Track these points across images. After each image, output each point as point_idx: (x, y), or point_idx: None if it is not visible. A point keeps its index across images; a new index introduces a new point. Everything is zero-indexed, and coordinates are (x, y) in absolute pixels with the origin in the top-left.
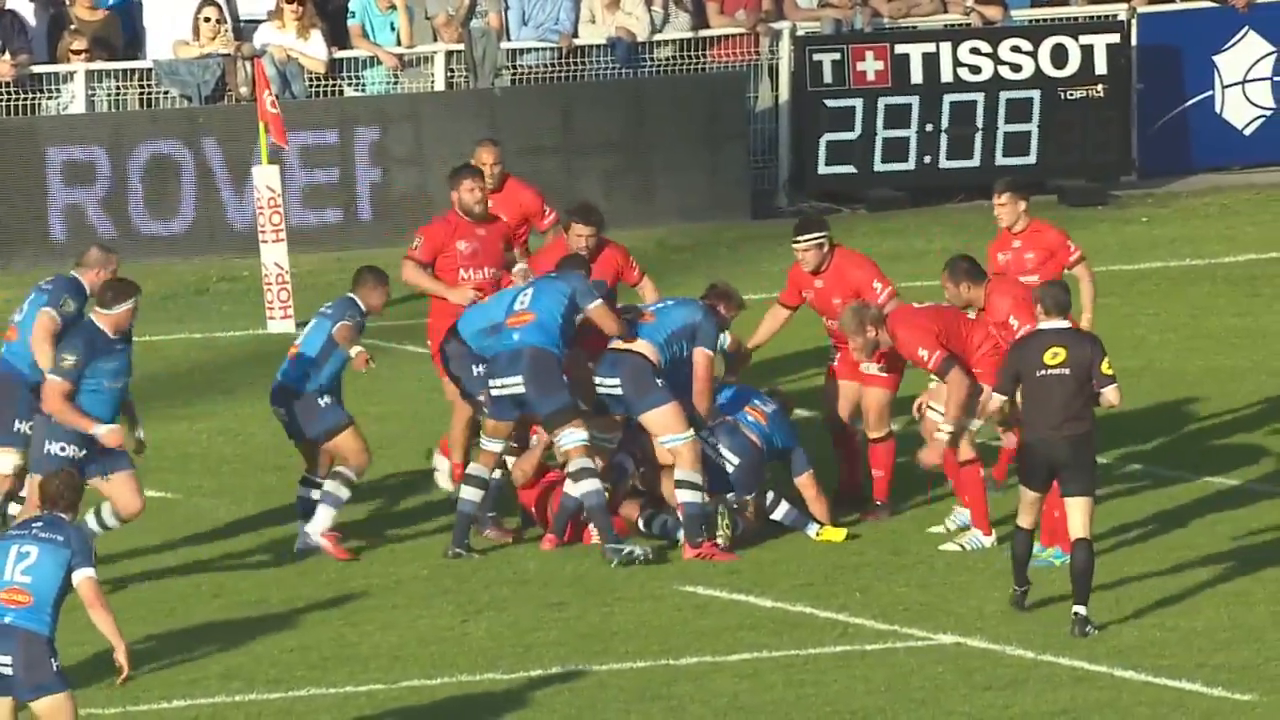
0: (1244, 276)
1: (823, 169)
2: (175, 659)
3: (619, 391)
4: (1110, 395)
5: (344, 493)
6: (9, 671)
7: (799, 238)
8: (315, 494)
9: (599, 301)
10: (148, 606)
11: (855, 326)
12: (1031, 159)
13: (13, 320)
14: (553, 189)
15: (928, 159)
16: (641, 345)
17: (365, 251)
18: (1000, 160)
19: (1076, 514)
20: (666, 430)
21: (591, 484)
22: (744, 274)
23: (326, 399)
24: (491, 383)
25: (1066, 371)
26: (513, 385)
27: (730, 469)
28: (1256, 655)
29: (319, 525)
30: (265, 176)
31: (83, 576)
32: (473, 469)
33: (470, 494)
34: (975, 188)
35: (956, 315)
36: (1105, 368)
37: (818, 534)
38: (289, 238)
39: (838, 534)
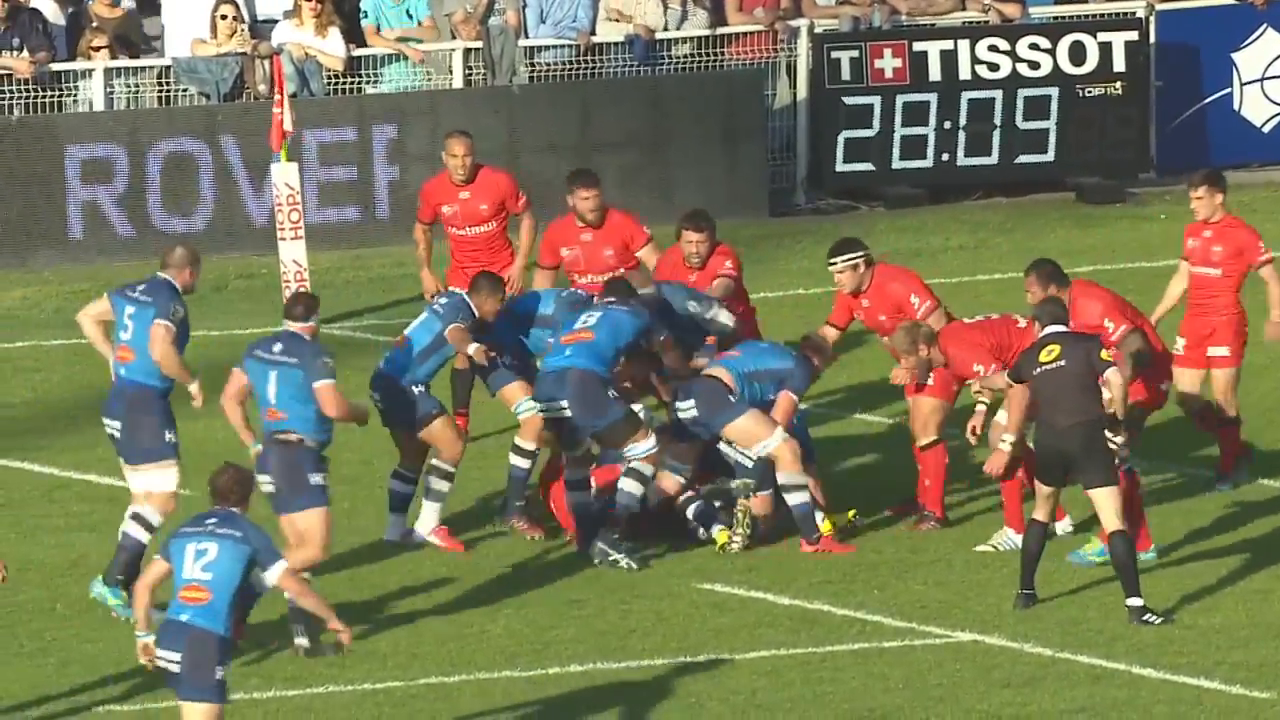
0: None
1: (840, 166)
2: None
3: (694, 414)
4: (1110, 376)
5: (444, 486)
6: (176, 669)
7: (834, 259)
8: (404, 487)
9: (666, 334)
10: (166, 605)
11: (908, 345)
12: (1049, 156)
13: (120, 340)
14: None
15: (946, 156)
16: (718, 371)
17: (383, 249)
18: (1018, 158)
19: (1103, 506)
20: (754, 439)
21: (635, 489)
22: (762, 271)
23: (419, 388)
24: (541, 405)
25: (1062, 364)
26: (558, 408)
27: (749, 464)
28: (1275, 653)
29: (427, 524)
30: (284, 174)
31: (279, 573)
32: (637, 465)
33: (632, 488)
34: (993, 185)
35: (1006, 325)
36: (1103, 355)
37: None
38: (307, 235)
39: (841, 519)
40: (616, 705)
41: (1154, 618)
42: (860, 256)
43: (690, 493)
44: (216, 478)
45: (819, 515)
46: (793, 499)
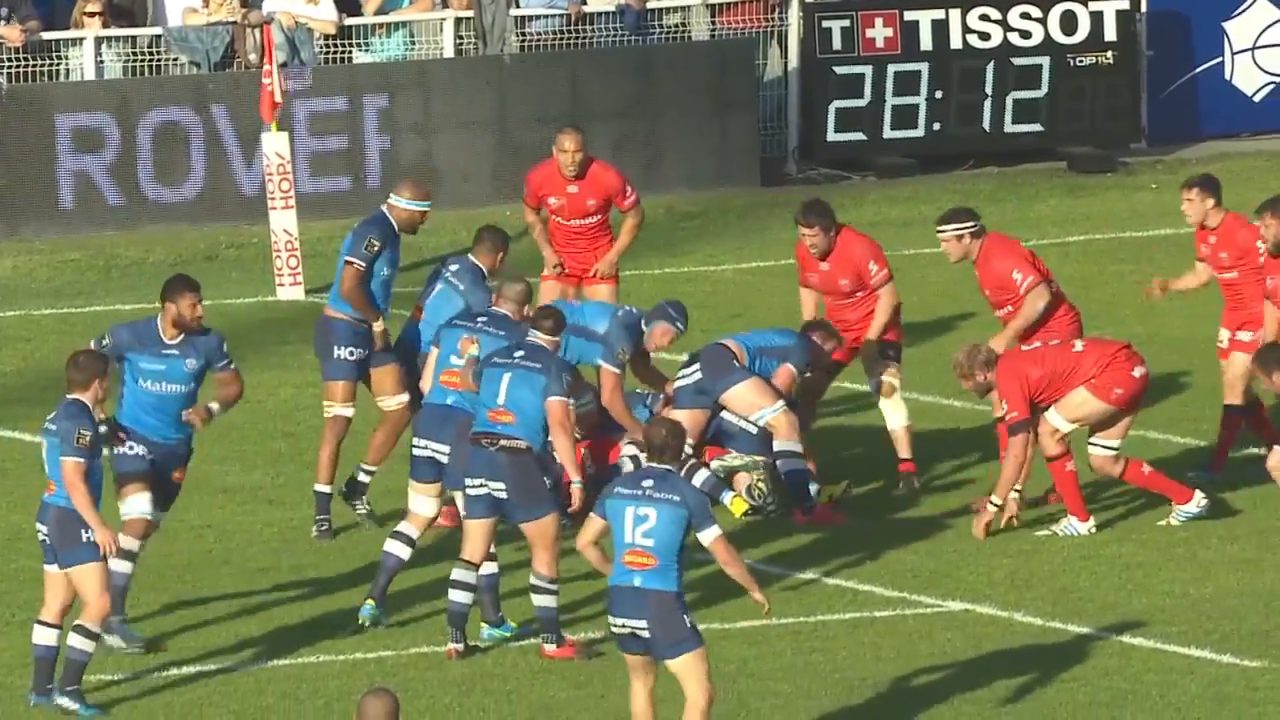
0: None
1: (832, 136)
2: (185, 626)
3: (698, 377)
4: None
5: None
6: (646, 634)
7: (941, 227)
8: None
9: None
10: (157, 573)
11: (968, 370)
12: (1040, 126)
13: (450, 364)
14: None
15: (937, 126)
16: (729, 342)
17: None
18: (1009, 127)
19: None
20: (753, 406)
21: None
22: (752, 241)
23: None
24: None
25: None
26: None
27: (754, 431)
28: (1265, 622)
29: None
30: (274, 143)
31: (712, 538)
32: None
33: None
34: (984, 154)
35: (1063, 353)
36: None
37: (818, 494)
38: (298, 204)
39: (837, 487)
40: (609, 673)
41: None
42: (968, 227)
43: (694, 462)
44: (653, 433)
45: (814, 486)
46: (786, 465)
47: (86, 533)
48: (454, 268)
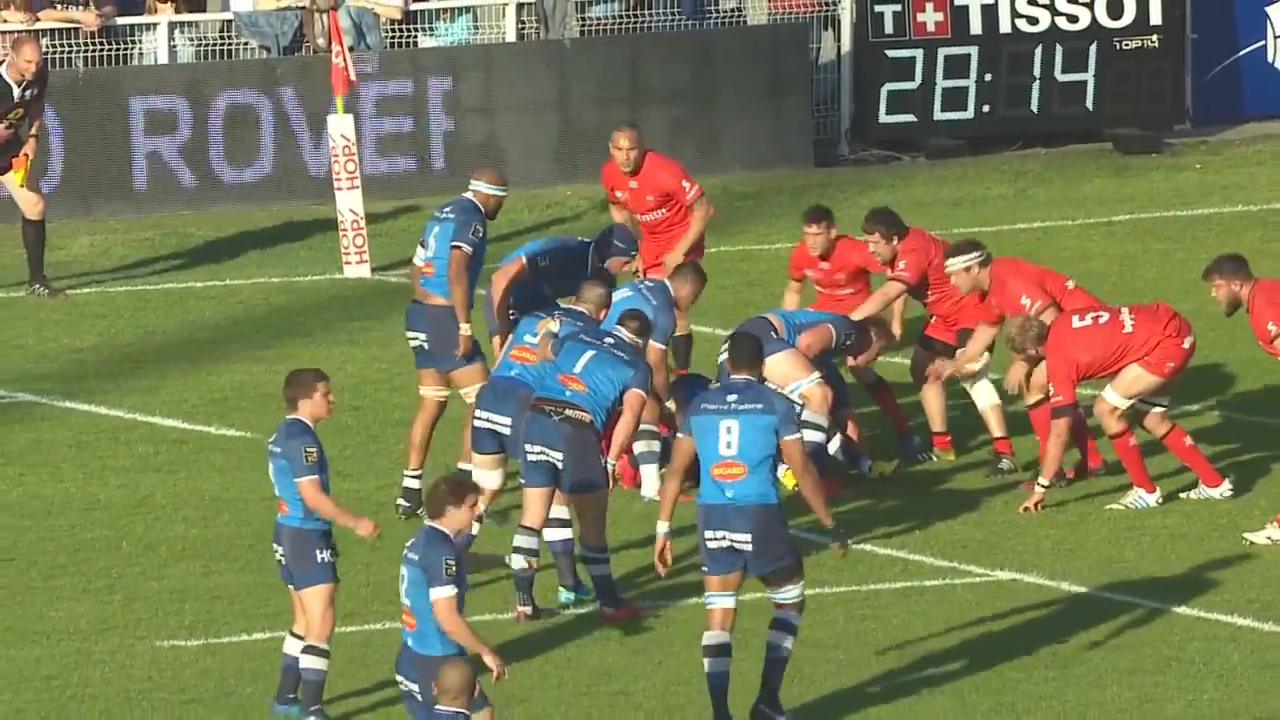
0: None
1: (884, 118)
2: (255, 594)
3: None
4: None
5: (655, 445)
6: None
7: (950, 261)
8: None
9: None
10: (228, 543)
11: (1020, 345)
12: (1087, 108)
13: (524, 341)
14: None
15: (986, 108)
16: (770, 315)
17: (438, 199)
18: (1057, 109)
19: None
20: (788, 377)
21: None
22: None
23: None
24: None
25: None
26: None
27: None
28: None
29: (649, 488)
30: (340, 125)
31: (437, 596)
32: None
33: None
34: (1032, 136)
35: (1113, 334)
36: None
37: (870, 469)
38: (364, 185)
39: (888, 465)
40: (659, 643)
41: None
42: (975, 259)
43: None
44: (434, 489)
45: (867, 461)
46: (808, 436)
47: (321, 553)
48: (649, 284)
